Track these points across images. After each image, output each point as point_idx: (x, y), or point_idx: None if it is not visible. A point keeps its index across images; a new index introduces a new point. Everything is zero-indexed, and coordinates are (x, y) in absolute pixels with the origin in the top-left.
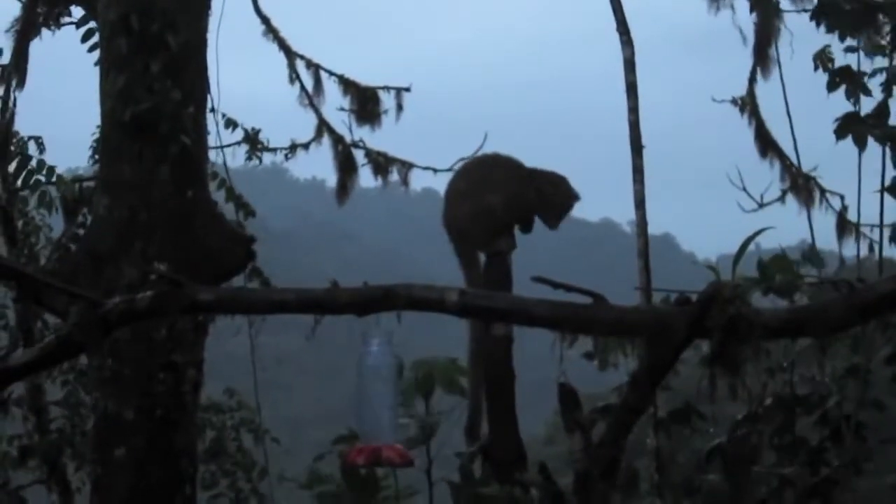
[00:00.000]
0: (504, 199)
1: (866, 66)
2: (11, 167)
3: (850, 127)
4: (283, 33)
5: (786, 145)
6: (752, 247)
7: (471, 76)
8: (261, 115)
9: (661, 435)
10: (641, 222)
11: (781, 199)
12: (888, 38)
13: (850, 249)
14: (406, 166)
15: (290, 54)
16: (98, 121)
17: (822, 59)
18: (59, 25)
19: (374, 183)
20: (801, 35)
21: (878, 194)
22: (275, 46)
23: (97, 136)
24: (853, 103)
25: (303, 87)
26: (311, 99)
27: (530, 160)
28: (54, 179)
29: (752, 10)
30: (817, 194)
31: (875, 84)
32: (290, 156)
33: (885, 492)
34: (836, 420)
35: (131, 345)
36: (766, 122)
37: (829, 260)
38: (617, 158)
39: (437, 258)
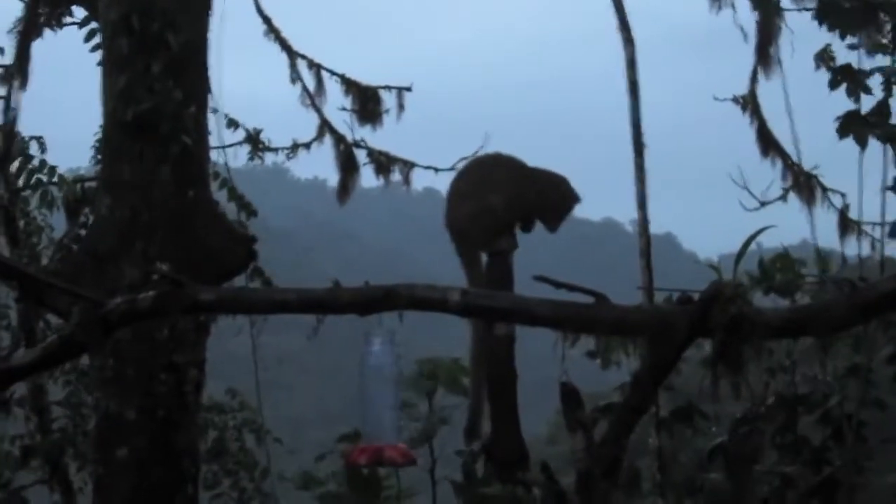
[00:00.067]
0: (505, 199)
1: (869, 64)
2: (13, 167)
3: (851, 126)
4: (285, 33)
5: (787, 144)
6: (753, 246)
7: (472, 75)
8: (262, 115)
9: (663, 434)
10: (643, 221)
11: (783, 197)
12: (889, 37)
13: (851, 248)
14: (407, 166)
15: (292, 54)
16: (100, 121)
17: (824, 58)
18: (61, 26)
19: (375, 182)
20: (802, 34)
21: (880, 192)
22: (276, 46)
23: (99, 136)
24: (854, 101)
25: (304, 87)
26: (313, 99)
27: (532, 160)
28: (56, 179)
29: (753, 9)
30: (819, 193)
31: (876, 82)
32: (291, 155)
33: (886, 491)
34: (838, 419)
35: (133, 345)
36: (767, 121)
37: (831, 259)
38: (619, 158)
39: (439, 258)
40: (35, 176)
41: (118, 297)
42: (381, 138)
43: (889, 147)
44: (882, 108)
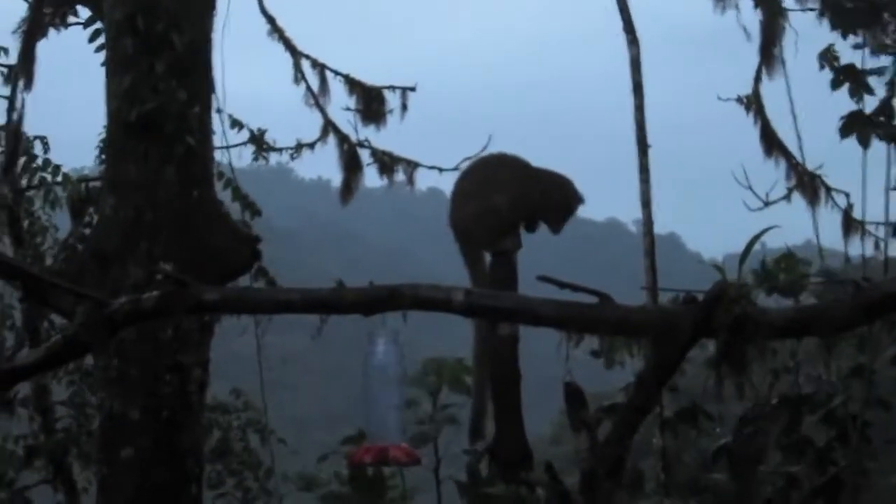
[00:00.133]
0: (509, 198)
1: (874, 64)
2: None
3: (854, 126)
4: (289, 33)
5: (791, 144)
6: (757, 246)
7: (475, 75)
8: (266, 115)
9: (667, 434)
10: (647, 221)
11: (787, 197)
12: (893, 37)
13: (855, 248)
14: (411, 166)
15: (296, 54)
16: (104, 121)
17: (827, 57)
18: (65, 25)
19: (379, 182)
20: (806, 34)
21: (884, 192)
22: (280, 46)
23: (103, 136)
24: (856, 102)
25: (308, 87)
26: (317, 99)
27: (535, 160)
28: (60, 178)
29: (756, 6)
30: (822, 193)
31: (878, 81)
32: (295, 156)
33: (890, 491)
34: (842, 420)
35: (137, 345)
36: (771, 120)
37: (833, 258)
38: (622, 158)
39: (443, 258)
40: (39, 174)
41: (122, 297)
42: (384, 138)
43: (892, 147)
44: (885, 108)
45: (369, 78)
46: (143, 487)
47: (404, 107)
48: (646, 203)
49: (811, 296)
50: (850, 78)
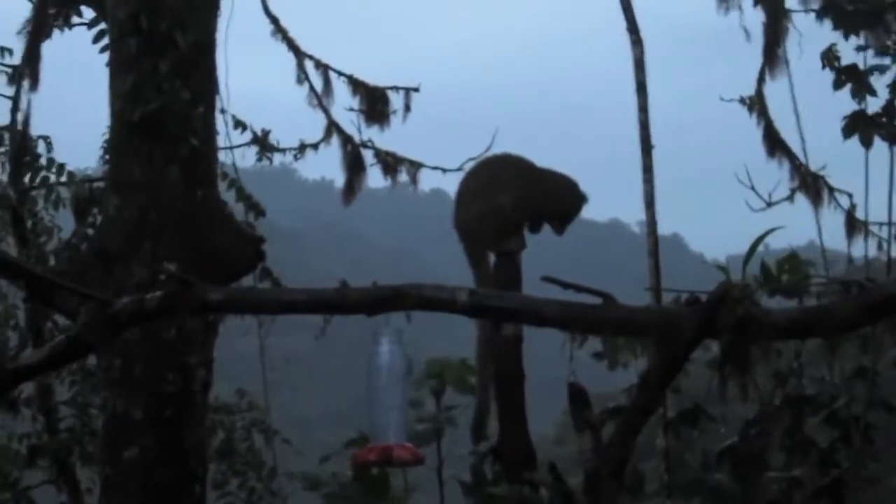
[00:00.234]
0: (513, 199)
1: (874, 62)
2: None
3: (856, 126)
4: (292, 33)
5: (794, 144)
6: (760, 247)
7: (479, 75)
8: (269, 116)
9: (670, 435)
10: (651, 222)
11: (790, 198)
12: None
13: (858, 249)
14: (415, 166)
15: (299, 54)
16: (107, 121)
17: (828, 57)
18: (69, 26)
19: (382, 183)
20: (809, 34)
21: (887, 192)
22: (284, 46)
23: (106, 136)
24: (858, 102)
25: (312, 88)
26: (320, 99)
27: (539, 160)
28: (64, 177)
29: (756, 4)
30: (825, 193)
31: (881, 82)
32: (299, 156)
33: (892, 493)
34: (846, 421)
35: (140, 345)
36: (774, 121)
37: (838, 259)
38: (626, 158)
39: (446, 258)
40: (42, 174)
41: (126, 297)
42: (388, 139)
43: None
44: (888, 109)
45: (373, 78)
46: (147, 487)
47: (408, 107)
48: (649, 203)
49: (813, 297)
50: (852, 78)
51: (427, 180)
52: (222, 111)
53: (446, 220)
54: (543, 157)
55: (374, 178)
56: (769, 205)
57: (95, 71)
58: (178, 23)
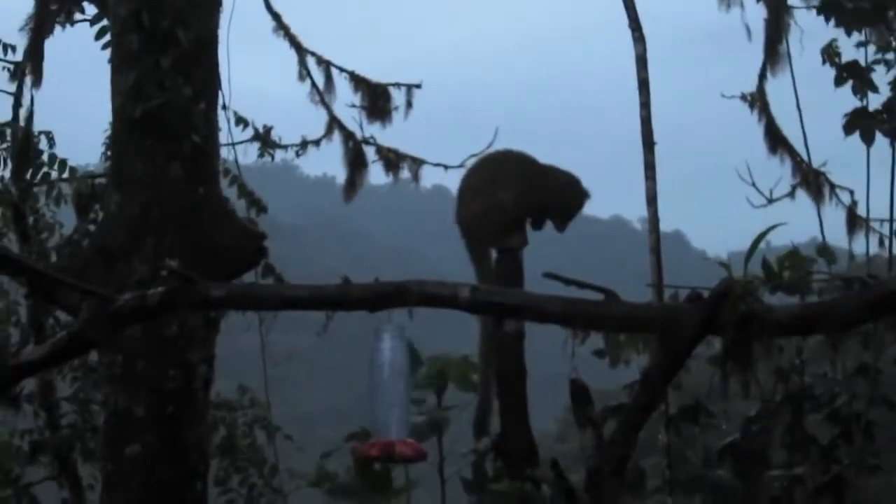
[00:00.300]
0: (515, 195)
1: (877, 55)
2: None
3: (858, 122)
4: (294, 30)
5: (796, 141)
6: (762, 243)
7: (481, 72)
8: (271, 112)
9: (671, 432)
10: (653, 218)
11: (791, 194)
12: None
13: (859, 245)
14: (417, 163)
15: (301, 51)
16: (108, 118)
17: (829, 53)
18: (71, 23)
19: (384, 180)
20: (810, 31)
21: (888, 189)
22: (285, 43)
23: (109, 133)
24: (860, 99)
25: (313, 84)
26: (322, 95)
27: (541, 157)
28: (66, 173)
29: (758, 0)
30: (827, 190)
31: (882, 78)
32: (300, 152)
33: (893, 490)
34: (847, 418)
35: (142, 341)
36: (775, 118)
37: (840, 256)
38: (628, 155)
39: (448, 255)
40: (43, 170)
41: (128, 294)
42: (390, 135)
43: None
44: (890, 106)
45: (375, 75)
46: (149, 484)
47: (410, 104)
48: (651, 200)
49: (815, 294)
50: (853, 75)
51: (429, 177)
52: (224, 108)
53: (448, 216)
54: (545, 154)
55: (376, 174)
56: (770, 201)
57: (97, 68)
58: (179, 19)
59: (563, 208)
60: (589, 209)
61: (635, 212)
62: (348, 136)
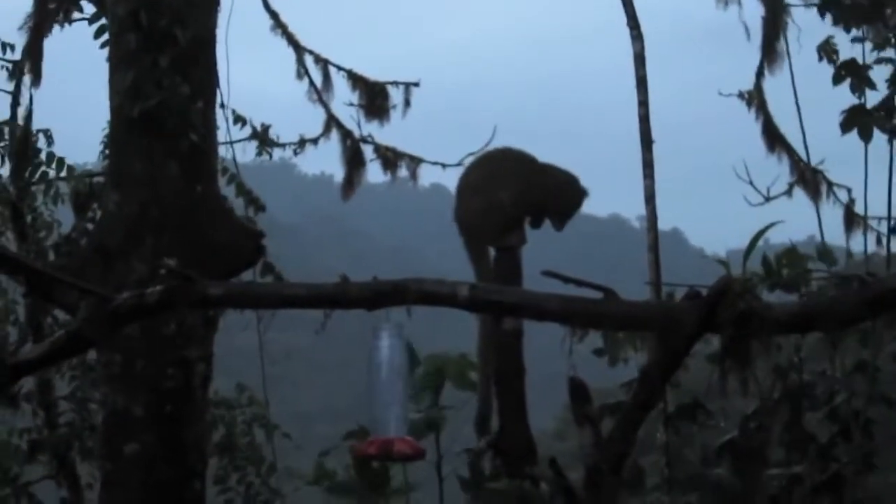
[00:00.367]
0: (514, 194)
1: (873, 57)
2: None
3: (855, 120)
4: (292, 28)
5: (795, 139)
6: (760, 241)
7: (479, 71)
8: (269, 111)
9: (670, 430)
10: (651, 217)
11: (788, 192)
12: (894, 33)
13: (857, 244)
14: (415, 161)
15: (299, 49)
16: (107, 117)
17: (826, 50)
18: (69, 22)
19: (382, 178)
20: (807, 28)
21: (886, 187)
22: (283, 42)
23: (107, 132)
24: (858, 97)
25: (311, 83)
26: (320, 94)
27: (540, 155)
28: (64, 172)
29: None
30: (824, 188)
31: (880, 77)
32: (298, 151)
33: (893, 489)
34: (846, 416)
35: (141, 340)
36: (773, 116)
37: (837, 254)
38: (626, 154)
39: (447, 253)
40: (42, 169)
41: (126, 293)
42: (388, 134)
43: (895, 142)
44: (888, 103)
45: (373, 73)
46: (147, 483)
47: (408, 102)
48: (649, 198)
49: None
50: (851, 73)
51: (427, 175)
52: (222, 106)
53: (446, 215)
54: (544, 152)
55: (374, 173)
56: (767, 199)
57: (95, 67)
58: (177, 19)
59: (561, 207)
60: (587, 207)
61: (633, 210)
62: (346, 134)
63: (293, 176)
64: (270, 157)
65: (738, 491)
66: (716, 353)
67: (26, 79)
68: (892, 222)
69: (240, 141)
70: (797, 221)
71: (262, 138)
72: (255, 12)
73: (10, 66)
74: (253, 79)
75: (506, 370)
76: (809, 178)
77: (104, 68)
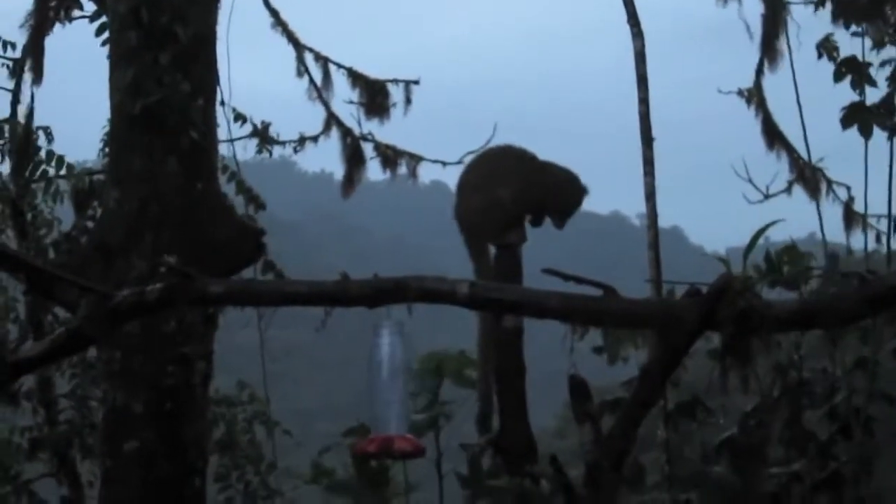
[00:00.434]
0: (514, 192)
1: (872, 55)
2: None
3: (855, 116)
4: (292, 26)
5: (795, 136)
6: (761, 239)
7: (480, 69)
8: (269, 108)
9: (670, 428)
10: (651, 214)
11: (787, 190)
12: (893, 30)
13: (857, 241)
14: (415, 159)
15: (299, 47)
16: (107, 114)
17: (826, 47)
18: (70, 19)
19: (382, 176)
20: (807, 26)
21: (886, 185)
22: (283, 39)
23: (107, 129)
24: (859, 94)
25: (311, 80)
26: (320, 92)
27: (540, 153)
28: (64, 170)
29: None
30: (823, 185)
31: (880, 74)
32: (298, 149)
33: (893, 488)
34: (846, 414)
35: (141, 338)
36: (773, 114)
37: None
38: (626, 151)
39: (447, 251)
40: (42, 167)
41: (126, 290)
42: (388, 132)
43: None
44: (888, 101)
45: (373, 71)
46: (147, 480)
47: (408, 100)
48: (650, 196)
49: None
50: (852, 70)
51: (427, 173)
52: (222, 104)
53: (446, 212)
54: (544, 150)
55: (374, 170)
56: (766, 197)
57: (96, 64)
58: (178, 16)
59: (561, 205)
60: (588, 205)
61: (634, 208)
62: (346, 132)
63: (293, 174)
64: (270, 154)
65: (737, 489)
66: (716, 350)
67: (27, 77)
68: (894, 220)
69: (240, 138)
70: (798, 219)
71: (263, 136)
72: (255, 10)
73: (10, 64)
74: (253, 76)
75: (506, 368)
76: (809, 176)
77: (104, 66)
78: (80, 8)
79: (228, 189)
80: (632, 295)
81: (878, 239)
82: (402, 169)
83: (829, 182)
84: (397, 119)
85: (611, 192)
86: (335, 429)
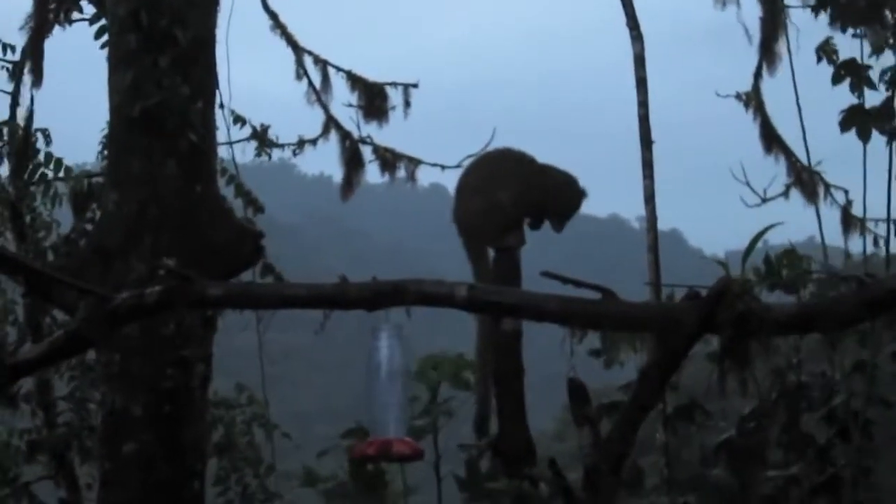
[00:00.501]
0: (513, 194)
1: (872, 59)
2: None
3: (854, 120)
4: (291, 29)
5: (793, 140)
6: (759, 243)
7: (478, 72)
8: (268, 111)
9: (669, 431)
10: (651, 217)
11: (785, 193)
12: (891, 33)
13: (856, 245)
14: (413, 163)
15: (298, 50)
16: (106, 117)
17: (825, 50)
18: (69, 22)
19: (381, 179)
20: (806, 29)
21: (885, 188)
22: (282, 42)
23: (106, 132)
24: (857, 97)
25: (310, 83)
26: (319, 95)
27: (539, 156)
28: (62, 172)
29: None
30: (821, 189)
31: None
32: (297, 152)
33: (893, 491)
34: (844, 417)
35: (139, 340)
36: (771, 117)
37: (835, 255)
38: (625, 154)
39: (446, 254)
40: (41, 169)
41: (125, 293)
42: (387, 135)
43: (894, 144)
44: (887, 105)
45: (371, 74)
46: (146, 483)
47: (407, 103)
48: (649, 199)
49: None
50: (850, 73)
51: (426, 176)
52: (221, 106)
53: (445, 216)
54: (543, 153)
55: (373, 173)
56: (764, 200)
57: (94, 67)
58: (177, 19)
59: (560, 208)
60: (587, 208)
61: (633, 211)
62: (345, 135)
63: (292, 176)
64: (269, 157)
65: (736, 492)
66: (715, 353)
67: (26, 79)
68: (892, 224)
69: (239, 141)
70: (797, 222)
71: (262, 139)
72: (254, 13)
73: (10, 66)
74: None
75: (505, 371)
76: (806, 180)
77: (103, 69)
78: (80, 10)
79: (227, 192)
80: (631, 298)
81: (876, 242)
82: (401, 172)
83: (828, 185)
84: (396, 122)
85: (610, 195)
86: (334, 431)
